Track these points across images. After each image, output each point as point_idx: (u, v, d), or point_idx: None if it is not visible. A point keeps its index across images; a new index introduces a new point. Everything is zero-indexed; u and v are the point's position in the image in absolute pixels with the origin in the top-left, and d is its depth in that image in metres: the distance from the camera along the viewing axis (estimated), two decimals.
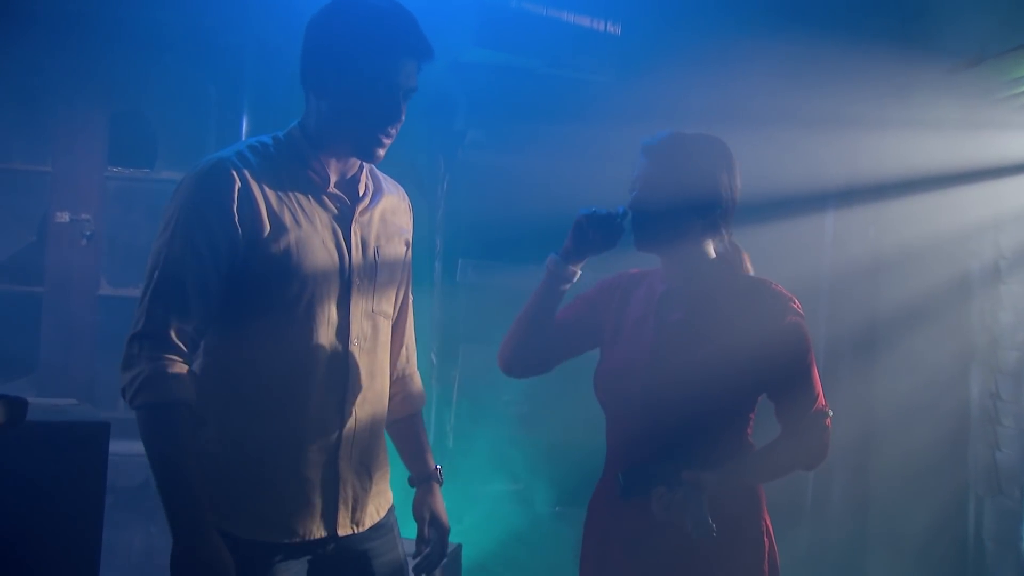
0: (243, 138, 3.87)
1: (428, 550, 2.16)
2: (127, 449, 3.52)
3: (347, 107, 1.92)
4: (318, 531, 1.94)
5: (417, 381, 2.27)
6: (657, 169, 2.11)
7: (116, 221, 4.09)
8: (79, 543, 2.02)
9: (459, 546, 2.99)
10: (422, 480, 2.21)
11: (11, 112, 3.73)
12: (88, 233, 3.94)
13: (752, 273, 2.19)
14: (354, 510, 1.99)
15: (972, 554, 3.69)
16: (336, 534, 1.97)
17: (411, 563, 2.15)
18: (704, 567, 2.04)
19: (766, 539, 2.12)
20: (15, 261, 4.02)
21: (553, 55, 3.77)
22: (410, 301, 2.22)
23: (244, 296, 1.88)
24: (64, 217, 3.94)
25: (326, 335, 1.92)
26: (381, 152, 1.97)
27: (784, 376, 2.08)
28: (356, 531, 2.00)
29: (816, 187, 3.60)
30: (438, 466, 2.23)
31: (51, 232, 3.96)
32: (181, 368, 1.82)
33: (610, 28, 3.76)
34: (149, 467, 1.79)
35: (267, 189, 1.90)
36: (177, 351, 1.82)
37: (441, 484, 2.23)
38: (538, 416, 3.85)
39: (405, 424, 2.23)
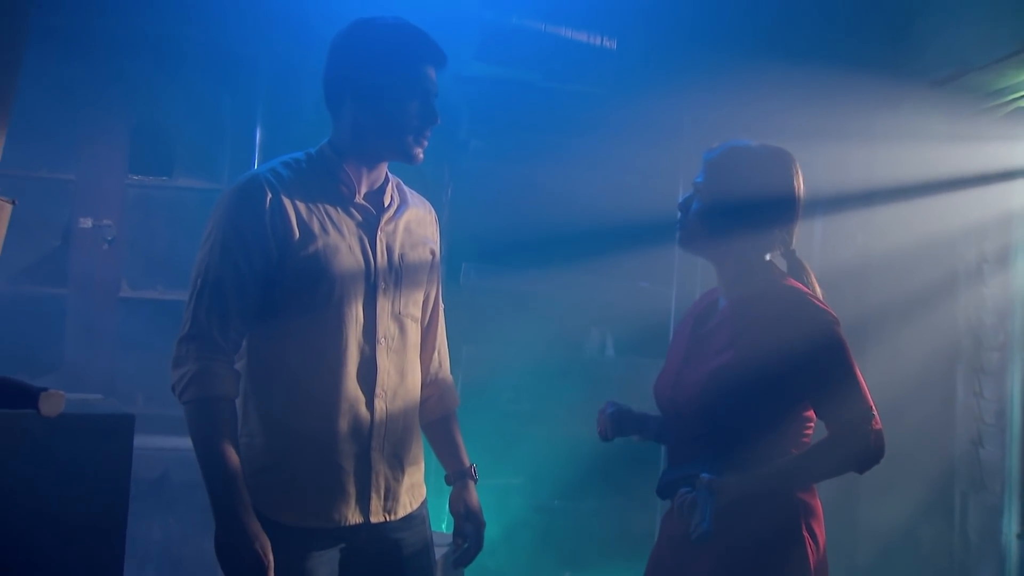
0: (256, 147, 3.99)
1: (465, 545, 2.22)
2: (146, 443, 3.64)
3: (391, 112, 2.04)
4: (353, 517, 2.04)
5: (450, 384, 2.34)
6: (717, 181, 2.13)
7: (136, 226, 4.16)
8: (107, 526, 2.13)
9: None
10: (458, 478, 2.27)
11: (37, 123, 3.72)
12: (110, 238, 4.01)
13: (817, 288, 2.18)
14: (386, 498, 2.08)
15: (957, 546, 3.77)
16: (369, 521, 2.06)
17: (439, 552, 2.19)
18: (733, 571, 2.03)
19: (809, 548, 2.06)
20: (41, 264, 4.07)
21: (551, 69, 3.83)
22: (441, 309, 2.30)
23: (279, 299, 2.00)
24: (87, 223, 4.00)
25: (354, 334, 2.03)
26: (421, 153, 2.09)
27: (819, 381, 2.04)
28: (388, 519, 2.09)
29: (806, 195, 3.68)
30: (473, 464, 2.29)
31: (75, 237, 4.02)
32: (225, 366, 1.96)
33: (606, 43, 3.81)
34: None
35: (298, 200, 2.02)
36: (221, 351, 1.96)
37: (476, 481, 2.28)
38: (538, 413, 3.90)
39: (440, 425, 2.30)
